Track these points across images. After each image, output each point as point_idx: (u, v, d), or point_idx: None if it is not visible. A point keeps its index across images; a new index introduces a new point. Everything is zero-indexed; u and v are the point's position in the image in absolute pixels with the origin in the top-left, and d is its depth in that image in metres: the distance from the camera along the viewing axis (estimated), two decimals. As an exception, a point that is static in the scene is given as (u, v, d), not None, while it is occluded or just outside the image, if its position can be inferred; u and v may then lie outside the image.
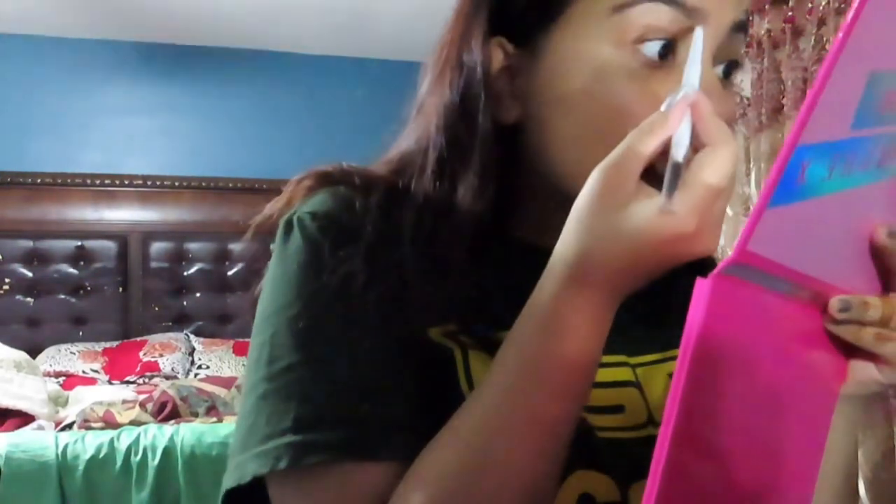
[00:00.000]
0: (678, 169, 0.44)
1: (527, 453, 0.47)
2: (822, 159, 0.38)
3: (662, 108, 0.46)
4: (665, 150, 0.45)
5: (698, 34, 0.47)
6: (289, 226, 0.56)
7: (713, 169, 0.43)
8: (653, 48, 0.50)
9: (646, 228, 0.44)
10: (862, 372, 0.48)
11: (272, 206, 0.61)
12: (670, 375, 0.62)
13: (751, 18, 2.11)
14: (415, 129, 0.60)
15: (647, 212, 0.44)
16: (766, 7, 2.06)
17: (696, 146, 0.45)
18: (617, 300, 0.48)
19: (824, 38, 1.88)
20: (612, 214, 0.45)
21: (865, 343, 0.45)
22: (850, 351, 0.47)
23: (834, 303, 0.44)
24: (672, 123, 0.45)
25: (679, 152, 0.44)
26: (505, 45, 0.56)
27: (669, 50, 0.51)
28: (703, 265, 0.69)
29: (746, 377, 0.41)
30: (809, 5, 1.92)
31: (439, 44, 0.59)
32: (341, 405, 0.50)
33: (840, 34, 0.34)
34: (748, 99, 2.15)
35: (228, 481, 0.52)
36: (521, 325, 0.48)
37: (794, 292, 0.43)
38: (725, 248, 2.20)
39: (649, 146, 0.45)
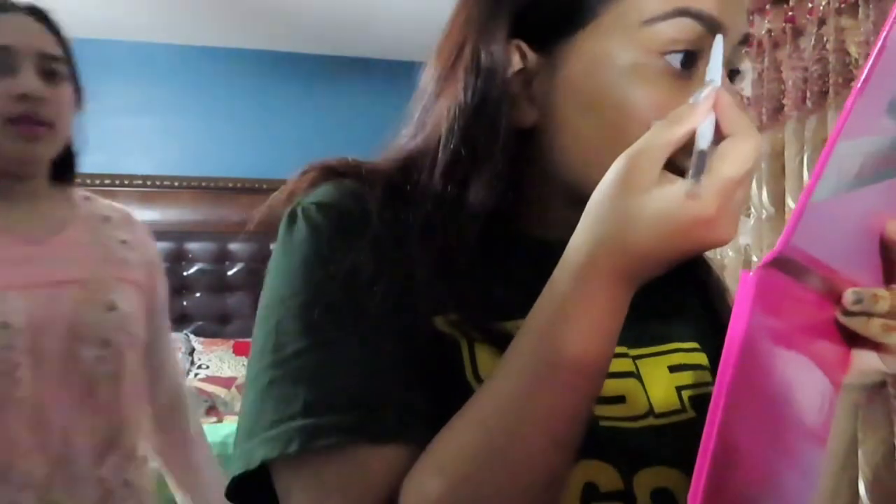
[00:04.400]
0: (703, 156, 0.46)
1: (544, 441, 0.47)
2: (857, 156, 0.39)
3: (690, 100, 0.48)
4: (686, 145, 0.47)
5: (719, 39, 0.51)
6: (293, 216, 0.56)
7: (735, 158, 0.45)
8: (676, 58, 0.53)
9: (668, 211, 0.45)
10: (865, 362, 0.50)
11: (275, 198, 0.61)
12: (670, 368, 0.63)
13: (751, 18, 2.11)
14: (422, 128, 0.60)
15: (671, 195, 0.45)
16: (767, 7, 2.06)
17: (718, 139, 0.47)
18: (633, 288, 0.48)
19: (824, 38, 1.88)
20: (633, 199, 0.46)
21: (873, 333, 0.47)
22: (854, 341, 0.49)
23: (848, 295, 0.46)
24: (698, 115, 0.47)
25: (704, 142, 0.46)
26: (524, 48, 0.57)
27: (692, 60, 0.53)
28: (698, 265, 0.71)
29: (773, 366, 0.42)
30: (809, 5, 1.92)
31: (448, 44, 0.59)
32: (351, 389, 0.50)
33: (880, 39, 0.37)
34: (748, 99, 2.15)
35: (235, 468, 0.51)
36: (538, 312, 0.49)
37: (814, 283, 0.44)
38: (727, 248, 2.20)
39: (675, 136, 0.47)
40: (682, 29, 0.52)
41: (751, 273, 0.38)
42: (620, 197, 0.46)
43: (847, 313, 0.47)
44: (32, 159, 1.17)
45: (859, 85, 0.37)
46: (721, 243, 0.47)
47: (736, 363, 0.37)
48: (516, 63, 0.57)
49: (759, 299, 0.38)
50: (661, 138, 0.47)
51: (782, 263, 0.39)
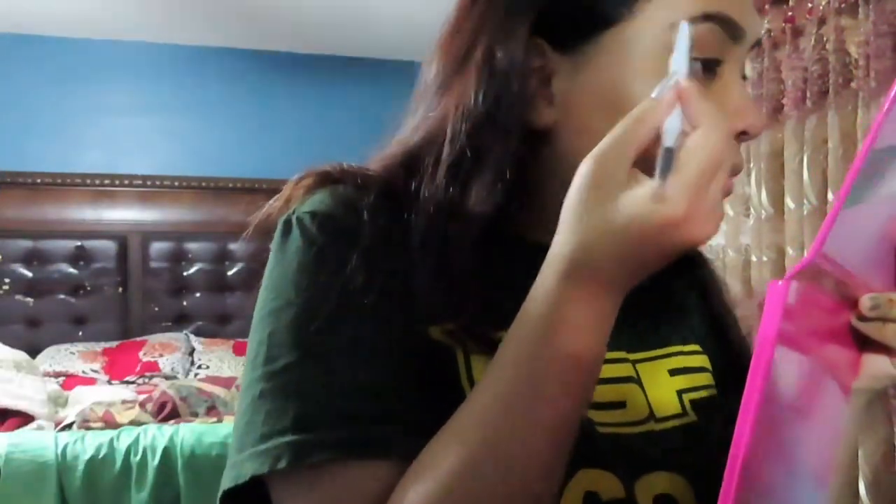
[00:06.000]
0: (670, 154, 0.43)
1: (528, 451, 0.46)
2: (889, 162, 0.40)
3: (653, 95, 0.46)
4: (659, 139, 0.45)
5: (684, 27, 0.48)
6: (287, 225, 0.56)
7: (703, 151, 0.43)
8: (698, 65, 0.52)
9: (636, 217, 0.43)
10: (876, 366, 0.49)
11: (271, 205, 0.60)
12: (670, 372, 0.62)
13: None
14: (425, 126, 0.58)
15: (637, 199, 0.44)
16: (766, 7, 2.06)
17: (687, 132, 0.45)
18: (619, 294, 0.47)
19: (824, 38, 1.88)
20: (603, 205, 0.44)
21: (888, 339, 0.46)
22: (865, 345, 0.49)
23: (865, 300, 0.46)
24: (662, 109, 0.45)
25: (670, 138, 0.44)
26: (544, 47, 0.55)
27: (712, 67, 0.53)
28: (695, 262, 0.70)
29: (797, 374, 0.41)
30: (809, 5, 1.92)
31: (458, 39, 0.58)
32: (342, 404, 0.49)
33: None
34: (748, 99, 2.15)
35: (226, 481, 0.51)
36: (521, 321, 0.48)
37: (829, 286, 0.43)
38: (727, 248, 2.20)
39: (640, 134, 0.45)
40: (707, 35, 0.51)
41: (779, 282, 0.38)
42: (589, 204, 0.45)
43: (862, 318, 0.46)
44: None
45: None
46: (698, 243, 0.45)
47: (766, 375, 0.37)
48: (535, 63, 0.55)
49: (790, 310, 0.38)
50: (625, 138, 0.45)
51: (807, 272, 0.39)
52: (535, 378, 0.46)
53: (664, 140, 0.44)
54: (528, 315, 0.47)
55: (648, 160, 0.45)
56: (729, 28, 0.52)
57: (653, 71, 0.52)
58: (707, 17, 0.51)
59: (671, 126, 0.45)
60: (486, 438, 0.46)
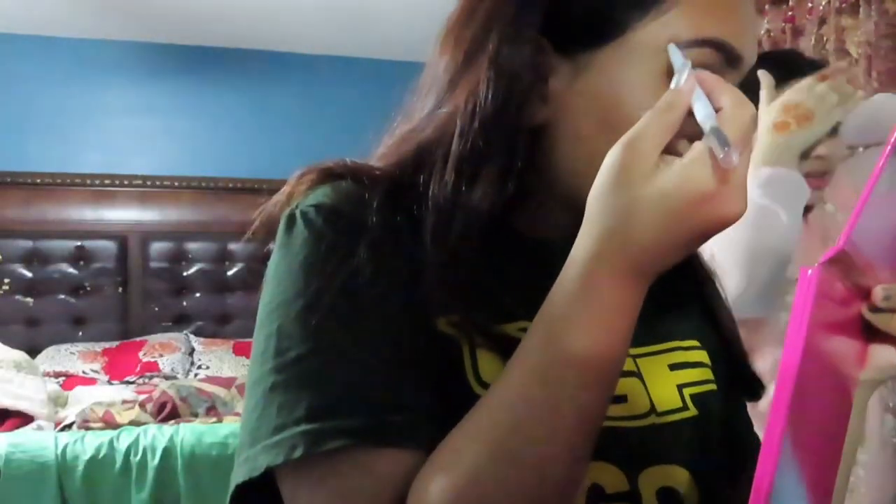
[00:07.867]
0: (719, 132, 0.45)
1: (553, 441, 0.46)
2: None
3: (672, 86, 0.49)
4: (678, 133, 0.47)
5: (672, 47, 0.52)
6: (291, 219, 0.56)
7: (730, 127, 0.45)
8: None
9: (666, 193, 0.45)
10: (882, 357, 0.50)
11: (274, 201, 0.60)
12: (670, 366, 0.63)
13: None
14: (436, 120, 0.58)
15: (666, 176, 0.45)
16: (766, 7, 2.06)
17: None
18: (645, 282, 0.47)
19: (824, 38, 1.88)
20: (633, 186, 0.45)
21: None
22: (872, 336, 0.49)
23: (878, 291, 0.47)
24: (685, 94, 0.47)
25: (712, 120, 0.46)
26: (546, 46, 0.56)
27: None
28: (693, 257, 0.70)
29: (816, 363, 0.42)
30: (809, 5, 1.92)
31: (468, 34, 0.58)
32: (356, 393, 0.49)
33: None
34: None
35: (238, 476, 0.50)
36: (546, 310, 0.48)
37: (851, 278, 0.44)
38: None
39: (671, 121, 0.47)
40: (703, 58, 0.52)
41: (809, 271, 0.38)
42: (620, 187, 0.46)
43: (874, 309, 0.47)
44: None
45: None
46: (730, 220, 0.46)
47: (800, 364, 0.37)
48: (537, 60, 0.56)
49: (819, 297, 0.38)
50: (657, 125, 0.46)
51: (832, 261, 0.40)
52: (559, 366, 0.47)
53: (706, 123, 0.46)
54: (553, 303, 0.48)
55: (675, 151, 0.47)
56: (726, 53, 0.53)
57: (648, 88, 0.53)
58: (705, 42, 0.52)
59: (706, 112, 0.47)
60: (512, 426, 0.47)
